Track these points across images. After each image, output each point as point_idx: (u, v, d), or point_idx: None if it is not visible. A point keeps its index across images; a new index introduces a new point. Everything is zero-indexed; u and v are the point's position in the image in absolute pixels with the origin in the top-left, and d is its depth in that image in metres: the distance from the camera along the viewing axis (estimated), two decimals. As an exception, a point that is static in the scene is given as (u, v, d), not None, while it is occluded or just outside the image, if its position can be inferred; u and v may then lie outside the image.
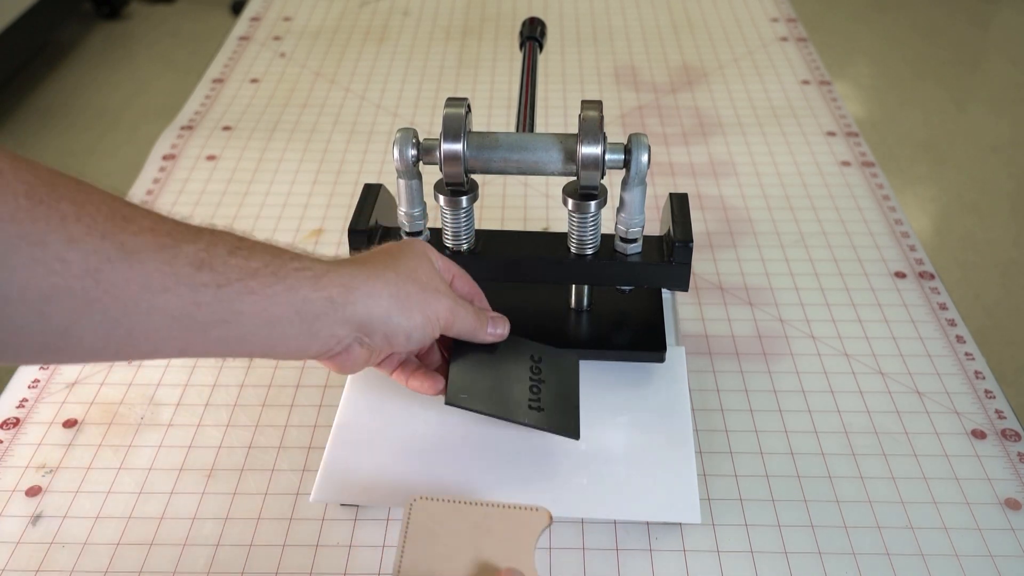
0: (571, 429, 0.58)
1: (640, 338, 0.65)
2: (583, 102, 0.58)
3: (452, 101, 0.59)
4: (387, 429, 0.62)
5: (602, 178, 0.59)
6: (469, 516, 0.52)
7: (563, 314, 0.67)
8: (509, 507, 0.53)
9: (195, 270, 0.43)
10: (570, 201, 0.59)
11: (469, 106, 0.60)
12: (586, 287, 0.66)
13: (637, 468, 0.59)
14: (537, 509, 0.53)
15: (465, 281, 0.59)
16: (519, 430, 0.60)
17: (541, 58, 1.20)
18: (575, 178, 0.59)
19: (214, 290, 0.44)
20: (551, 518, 0.53)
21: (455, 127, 0.58)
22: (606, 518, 0.59)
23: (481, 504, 0.53)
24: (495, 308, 0.67)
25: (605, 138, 0.57)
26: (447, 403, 0.56)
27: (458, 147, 0.58)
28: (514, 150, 0.59)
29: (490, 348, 0.59)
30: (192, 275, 0.43)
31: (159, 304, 0.42)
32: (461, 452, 0.60)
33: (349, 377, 0.65)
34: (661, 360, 0.64)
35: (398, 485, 0.59)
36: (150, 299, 0.42)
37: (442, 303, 0.54)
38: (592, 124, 0.57)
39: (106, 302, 0.41)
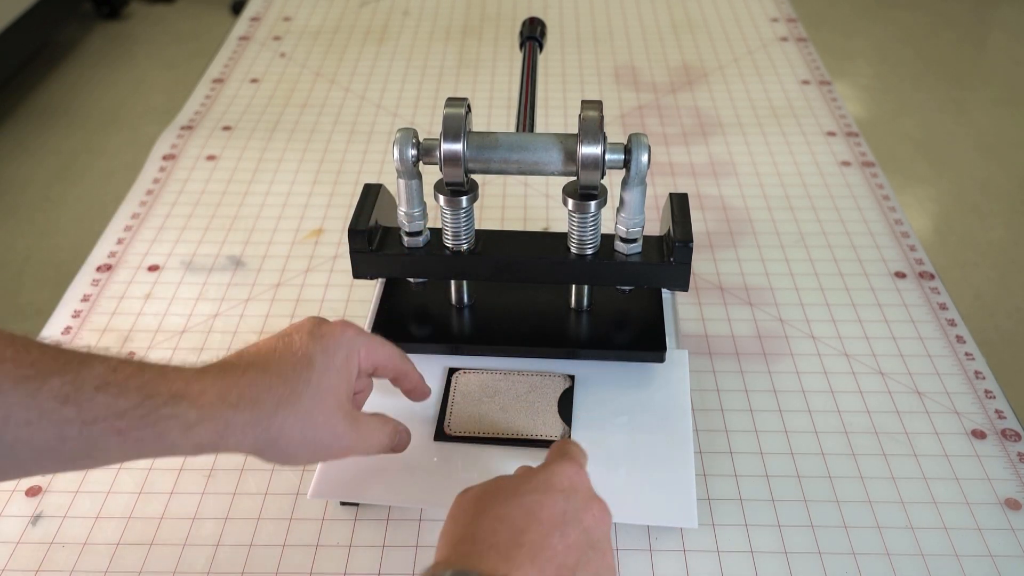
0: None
1: (640, 338, 0.65)
2: (583, 102, 0.58)
3: (452, 101, 0.59)
4: None
5: (602, 178, 0.59)
6: (501, 383, 0.64)
7: (563, 314, 0.67)
8: (535, 374, 0.65)
9: (60, 404, 0.42)
10: (570, 201, 0.59)
11: (469, 106, 0.60)
12: (586, 287, 0.66)
13: (636, 471, 0.59)
14: (558, 375, 0.65)
15: (391, 364, 0.57)
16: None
17: (541, 58, 1.20)
18: (575, 178, 0.59)
19: (79, 426, 0.42)
20: (569, 379, 0.63)
21: (455, 127, 0.58)
22: None
23: (512, 374, 0.65)
24: (495, 307, 0.67)
25: (605, 138, 0.57)
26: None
27: (458, 147, 0.58)
28: (514, 150, 0.59)
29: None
30: (56, 410, 0.42)
31: (23, 437, 0.41)
32: (459, 449, 0.60)
33: None
34: (661, 360, 0.64)
35: (397, 482, 0.59)
36: (13, 432, 0.41)
37: (337, 445, 0.51)
38: (592, 124, 0.57)
39: None
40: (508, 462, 0.60)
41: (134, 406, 0.44)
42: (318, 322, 0.53)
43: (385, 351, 0.56)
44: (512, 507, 0.46)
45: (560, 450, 0.52)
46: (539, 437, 0.61)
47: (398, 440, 0.56)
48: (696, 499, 0.58)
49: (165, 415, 0.44)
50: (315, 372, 0.49)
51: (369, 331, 0.64)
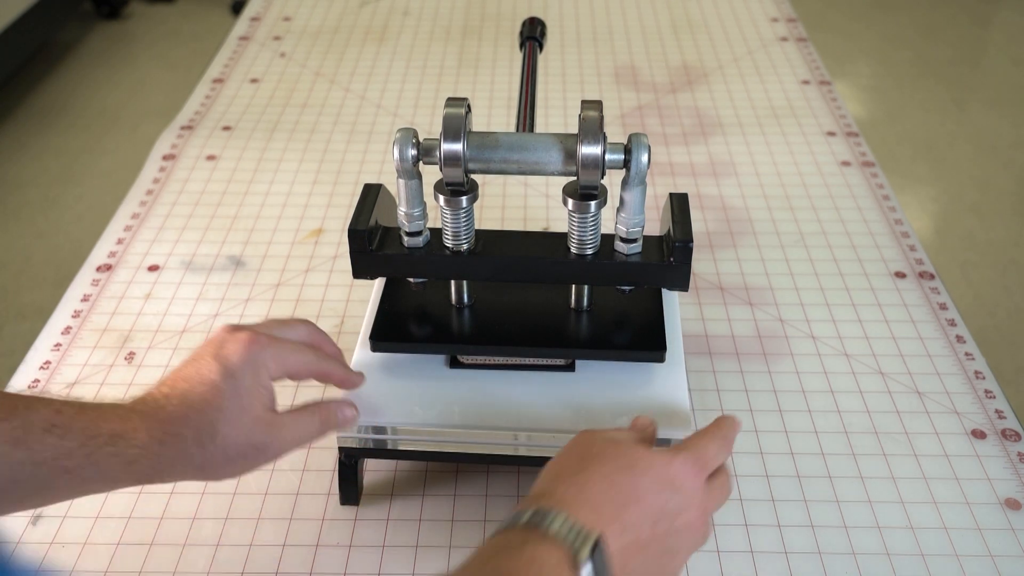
0: None
1: (639, 338, 0.65)
2: (583, 102, 0.58)
3: (452, 101, 0.59)
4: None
5: (602, 178, 0.59)
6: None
7: (563, 314, 0.67)
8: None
9: (11, 448, 0.46)
10: (570, 201, 0.59)
11: (469, 106, 0.60)
12: (586, 287, 0.66)
13: None
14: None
15: (306, 369, 0.57)
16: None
17: (541, 58, 1.20)
18: (575, 178, 0.59)
19: (31, 467, 0.46)
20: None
21: (455, 127, 0.58)
22: None
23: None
24: (494, 307, 0.67)
25: (605, 138, 0.57)
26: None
27: (458, 147, 0.58)
28: (514, 150, 0.59)
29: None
30: (9, 453, 0.46)
31: None
32: (472, 376, 0.63)
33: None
34: (661, 360, 0.64)
35: (415, 408, 0.60)
36: None
37: (263, 455, 0.52)
38: (592, 124, 0.57)
39: None
40: (519, 388, 0.61)
41: (79, 446, 0.47)
42: (221, 342, 0.53)
43: (296, 358, 0.56)
44: (624, 477, 0.47)
45: (702, 441, 0.51)
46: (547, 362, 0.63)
47: (337, 420, 0.57)
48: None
49: (108, 453, 0.48)
50: (225, 398, 0.51)
51: (364, 333, 0.65)
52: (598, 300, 0.67)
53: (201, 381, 0.52)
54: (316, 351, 0.58)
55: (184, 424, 0.50)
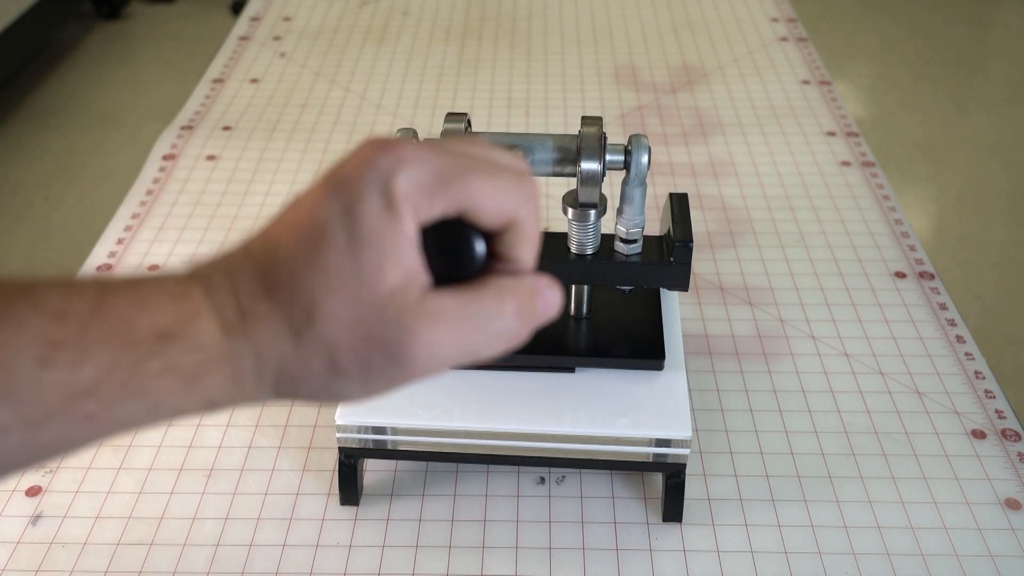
0: None
1: (638, 347, 0.65)
2: (583, 118, 0.59)
3: (452, 117, 0.59)
4: None
5: (602, 179, 0.59)
6: None
7: (561, 321, 0.67)
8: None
9: None
10: (570, 210, 0.59)
11: (469, 121, 0.60)
12: (586, 292, 0.66)
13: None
14: None
15: (494, 202, 0.33)
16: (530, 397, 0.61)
17: (541, 58, 1.20)
18: (575, 186, 0.59)
19: (22, 433, 0.28)
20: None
21: None
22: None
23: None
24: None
25: (604, 149, 0.57)
26: None
27: None
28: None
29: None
30: None
31: None
32: (478, 376, 0.62)
33: None
34: (659, 368, 0.64)
35: (419, 408, 0.60)
36: None
37: (395, 367, 0.31)
38: (591, 141, 0.57)
39: None
40: (519, 388, 0.61)
41: (107, 370, 0.28)
42: (353, 157, 0.32)
43: (488, 191, 0.33)
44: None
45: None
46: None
47: (538, 309, 0.35)
48: (696, 496, 0.58)
49: (154, 371, 0.29)
50: (331, 248, 0.30)
51: None
52: (597, 306, 0.67)
53: (298, 221, 0.31)
54: (522, 192, 0.34)
55: (270, 295, 0.31)
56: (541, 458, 0.61)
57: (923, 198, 2.22)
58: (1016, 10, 3.15)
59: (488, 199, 0.33)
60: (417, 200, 0.31)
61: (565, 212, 0.60)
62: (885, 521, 0.60)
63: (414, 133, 0.60)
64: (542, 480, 0.63)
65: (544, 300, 0.35)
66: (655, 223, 0.70)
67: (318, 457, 0.65)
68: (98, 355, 0.28)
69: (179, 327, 0.30)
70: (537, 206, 0.35)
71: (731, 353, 0.73)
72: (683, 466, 0.59)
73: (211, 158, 1.00)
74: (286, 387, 0.32)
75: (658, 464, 0.60)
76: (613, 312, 0.67)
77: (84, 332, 0.28)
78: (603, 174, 0.57)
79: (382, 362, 0.31)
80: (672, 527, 0.59)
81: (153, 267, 0.83)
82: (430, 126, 1.06)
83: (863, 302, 0.79)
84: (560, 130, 0.95)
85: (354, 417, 0.59)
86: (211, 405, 0.31)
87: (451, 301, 0.32)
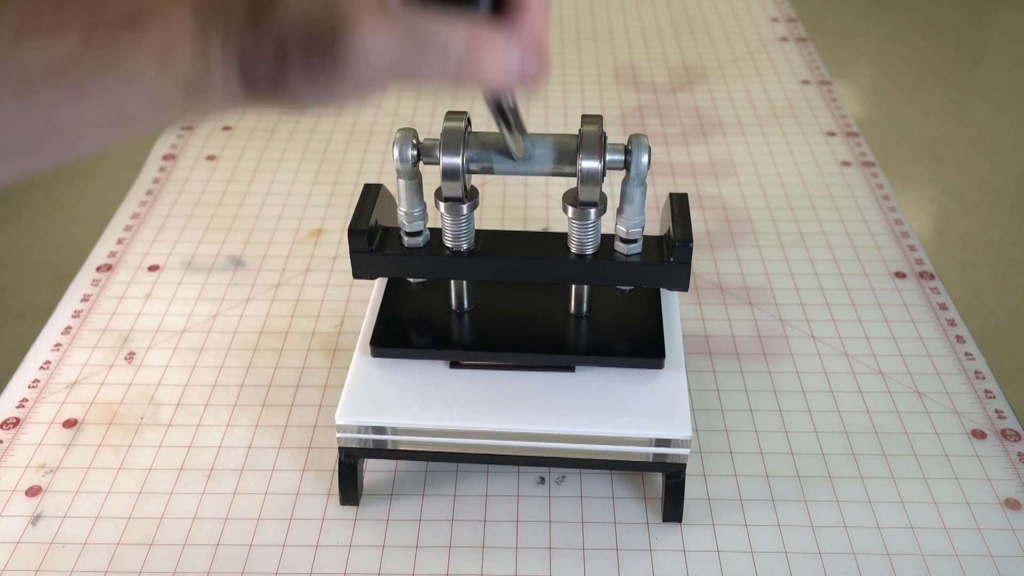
0: None
1: (638, 346, 0.65)
2: (583, 116, 0.59)
3: (452, 115, 0.59)
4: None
5: (602, 178, 0.59)
6: None
7: (562, 320, 0.67)
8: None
9: None
10: (570, 209, 0.59)
11: (469, 120, 0.60)
12: (585, 291, 0.66)
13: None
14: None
15: None
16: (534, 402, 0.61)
17: (541, 58, 1.20)
18: (574, 185, 0.59)
19: (12, 102, 0.30)
20: None
21: (455, 142, 0.58)
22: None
23: None
24: (494, 313, 0.67)
25: (605, 149, 0.57)
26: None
27: (457, 161, 0.58)
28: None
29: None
30: None
31: None
32: (473, 376, 0.62)
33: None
34: (659, 367, 0.64)
35: (416, 408, 0.60)
36: None
37: (337, 63, 0.31)
38: (591, 139, 0.57)
39: None
40: (519, 388, 0.61)
41: (82, 42, 0.30)
42: None
43: None
44: None
45: None
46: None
47: (494, 55, 0.33)
48: (696, 496, 0.58)
49: (128, 43, 0.30)
50: None
51: (364, 334, 0.64)
52: (597, 305, 0.67)
53: None
54: None
55: None
56: (541, 458, 0.61)
57: (923, 198, 2.22)
58: (1016, 10, 3.15)
59: None
60: None
61: (565, 211, 0.60)
62: (885, 521, 0.60)
63: (414, 133, 0.60)
64: (542, 480, 0.63)
65: (513, 54, 0.33)
66: (655, 223, 0.70)
67: (318, 457, 0.65)
68: (73, 30, 0.30)
69: (152, 8, 0.31)
70: None
71: (731, 353, 0.73)
72: (683, 466, 0.59)
73: (211, 158, 1.00)
74: (248, 79, 0.32)
75: (658, 464, 0.60)
76: (613, 311, 0.67)
77: (59, 12, 0.30)
78: (603, 173, 0.57)
79: (320, 55, 0.31)
80: (672, 527, 0.59)
81: (153, 267, 0.83)
82: (430, 126, 1.06)
83: (863, 302, 0.79)
84: (560, 129, 0.95)
85: (354, 417, 0.59)
86: (187, 87, 0.32)
87: (408, 11, 0.32)
